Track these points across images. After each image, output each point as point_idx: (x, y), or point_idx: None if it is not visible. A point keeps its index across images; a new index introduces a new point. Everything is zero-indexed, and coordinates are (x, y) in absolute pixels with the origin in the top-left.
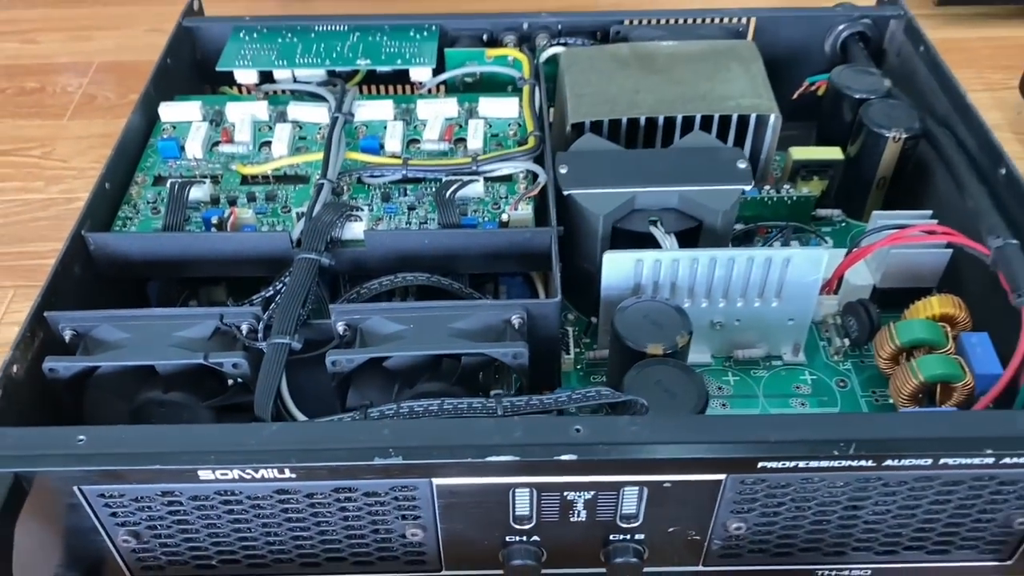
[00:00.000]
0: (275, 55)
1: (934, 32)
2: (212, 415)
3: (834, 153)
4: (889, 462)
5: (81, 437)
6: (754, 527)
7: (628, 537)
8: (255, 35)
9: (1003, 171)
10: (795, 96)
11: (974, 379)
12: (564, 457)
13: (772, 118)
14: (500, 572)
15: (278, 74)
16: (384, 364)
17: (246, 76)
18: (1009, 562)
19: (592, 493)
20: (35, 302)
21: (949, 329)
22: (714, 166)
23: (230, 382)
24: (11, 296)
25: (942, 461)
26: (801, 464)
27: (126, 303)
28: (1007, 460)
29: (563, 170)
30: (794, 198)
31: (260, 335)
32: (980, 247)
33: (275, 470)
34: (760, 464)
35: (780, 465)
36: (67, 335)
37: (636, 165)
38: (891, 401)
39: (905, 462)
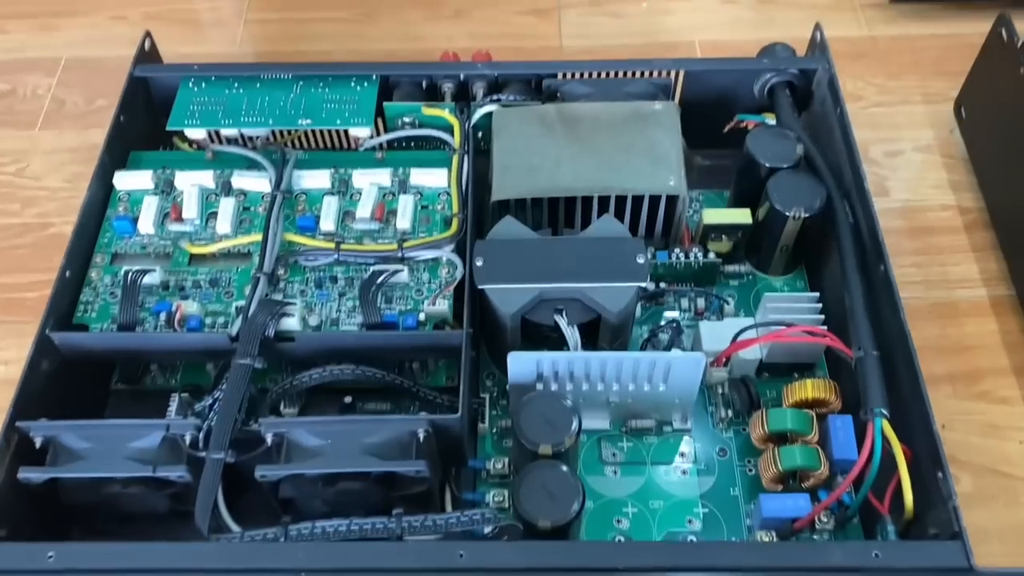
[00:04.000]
0: (222, 112)
1: (887, 28)
2: (167, 500)
3: (743, 217)
4: None
5: (50, 554)
6: None
7: None
8: (203, 85)
9: (882, 268)
10: (725, 130)
11: (830, 464)
12: None
13: (680, 198)
14: None
15: (225, 132)
16: (308, 475)
17: (195, 134)
18: None
19: None
20: (8, 412)
21: (816, 415)
22: (615, 261)
23: None
24: None
25: None
26: None
27: (92, 381)
28: None
29: (479, 263)
30: (701, 263)
31: (201, 443)
32: (848, 351)
33: None
34: None
35: None
36: (38, 441)
37: (545, 257)
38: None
39: None
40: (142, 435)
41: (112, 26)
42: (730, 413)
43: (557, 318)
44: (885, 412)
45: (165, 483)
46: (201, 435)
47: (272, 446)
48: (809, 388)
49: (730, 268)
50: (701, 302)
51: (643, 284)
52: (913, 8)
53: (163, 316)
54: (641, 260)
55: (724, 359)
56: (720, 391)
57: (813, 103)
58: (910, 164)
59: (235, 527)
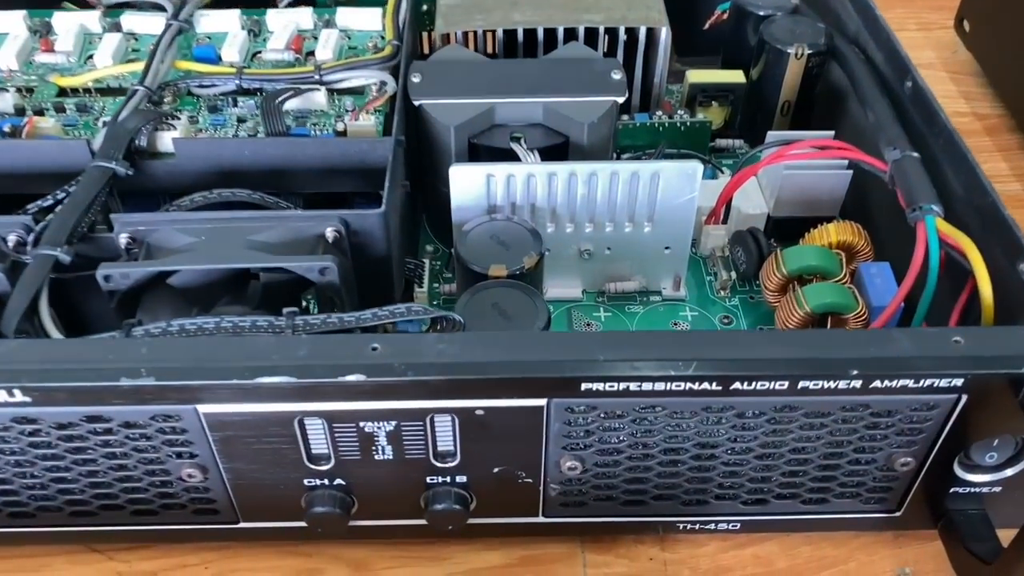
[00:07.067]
0: None
1: None
2: None
3: (735, 76)
4: (738, 385)
5: None
6: (594, 468)
7: (448, 480)
8: None
9: (909, 84)
10: (706, 26)
11: (869, 311)
12: (350, 378)
13: (663, 32)
14: (303, 524)
15: None
16: (171, 282)
17: None
18: (898, 513)
19: (394, 424)
20: None
21: (846, 258)
22: (585, 77)
23: None
24: None
25: (801, 385)
26: (632, 386)
27: None
28: (878, 384)
29: (416, 79)
30: (688, 124)
31: (30, 247)
32: (877, 162)
33: (4, 392)
34: (584, 386)
35: (607, 387)
36: None
37: (500, 76)
38: None
39: (757, 386)
40: None
41: None
42: (733, 276)
43: (514, 145)
44: (936, 208)
45: None
46: (31, 237)
47: (126, 252)
48: (832, 231)
49: (722, 142)
50: None
51: (620, 99)
52: None
53: (6, 128)
54: (617, 76)
55: (723, 207)
56: (720, 255)
57: None
58: None
59: (57, 334)
